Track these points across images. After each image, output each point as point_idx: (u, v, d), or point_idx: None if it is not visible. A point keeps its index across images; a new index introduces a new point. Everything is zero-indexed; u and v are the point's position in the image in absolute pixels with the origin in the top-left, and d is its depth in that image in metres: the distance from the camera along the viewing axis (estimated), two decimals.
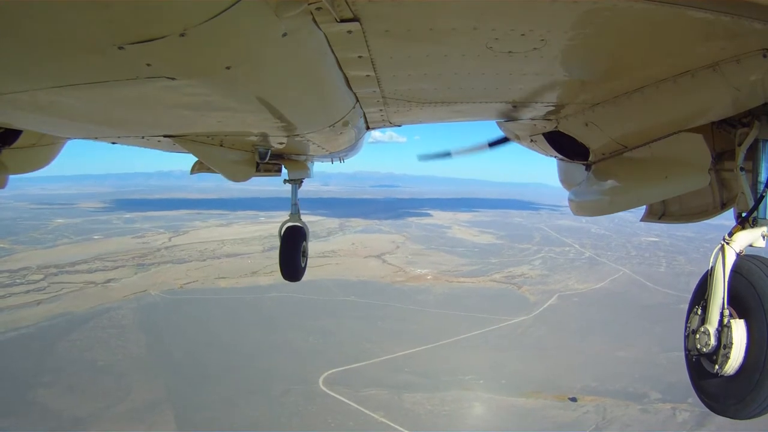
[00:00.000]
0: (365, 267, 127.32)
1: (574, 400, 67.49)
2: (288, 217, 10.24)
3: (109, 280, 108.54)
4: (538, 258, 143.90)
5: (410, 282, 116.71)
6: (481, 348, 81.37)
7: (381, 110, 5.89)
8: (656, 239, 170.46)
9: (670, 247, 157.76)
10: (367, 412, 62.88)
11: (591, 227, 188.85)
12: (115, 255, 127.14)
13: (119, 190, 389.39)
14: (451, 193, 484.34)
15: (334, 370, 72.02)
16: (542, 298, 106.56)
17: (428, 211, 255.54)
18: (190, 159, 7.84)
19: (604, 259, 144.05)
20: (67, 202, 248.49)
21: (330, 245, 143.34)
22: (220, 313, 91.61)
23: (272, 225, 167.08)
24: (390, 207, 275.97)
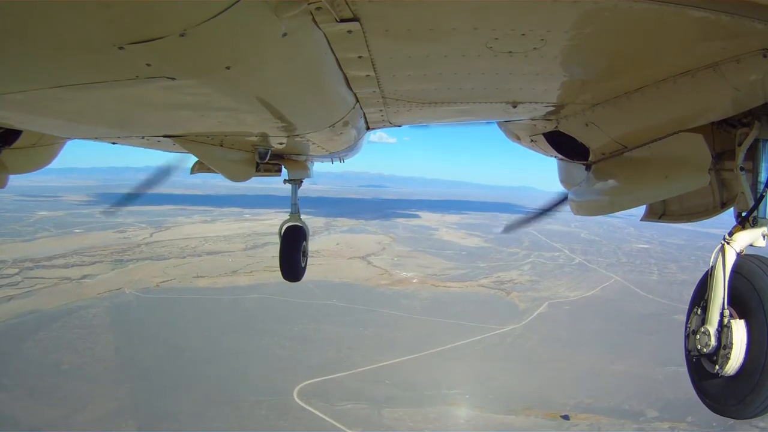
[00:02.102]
0: (349, 268, 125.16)
1: (566, 418, 65.29)
2: (288, 217, 10.31)
3: (84, 276, 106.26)
4: (527, 263, 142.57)
5: (395, 286, 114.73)
6: (468, 359, 78.90)
7: (381, 110, 5.77)
8: (647, 246, 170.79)
9: (661, 255, 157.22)
10: (343, 428, 60.25)
11: (580, 232, 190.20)
12: (94, 250, 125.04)
13: (106, 184, 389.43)
14: (439, 194, 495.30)
15: (310, 381, 69.25)
16: (532, 305, 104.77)
17: (416, 212, 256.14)
18: (183, 155, 7.79)
19: (595, 265, 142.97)
20: (52, 195, 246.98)
21: (314, 245, 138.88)
22: (195, 314, 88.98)
23: (257, 223, 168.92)
24: (377, 207, 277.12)
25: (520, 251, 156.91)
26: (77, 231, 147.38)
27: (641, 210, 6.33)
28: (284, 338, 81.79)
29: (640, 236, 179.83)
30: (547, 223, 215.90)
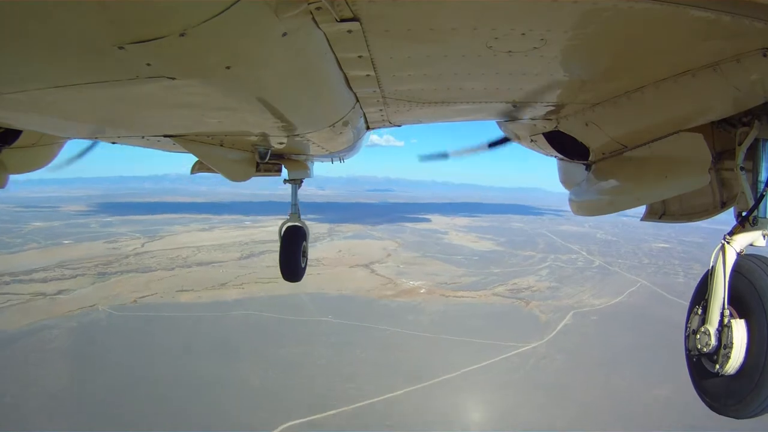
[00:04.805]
0: (350, 278, 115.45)
1: None
2: (288, 217, 10.53)
3: (60, 291, 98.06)
4: (544, 267, 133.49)
5: (400, 297, 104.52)
6: (484, 387, 68.33)
7: (381, 110, 5.95)
8: (666, 245, 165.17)
9: (683, 254, 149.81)
10: None
11: (596, 232, 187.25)
12: (79, 262, 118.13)
13: (108, 194, 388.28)
14: (448, 197, 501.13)
15: (293, 423, 58.64)
16: (555, 317, 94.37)
17: (424, 216, 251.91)
18: (186, 162, 8.29)
19: (616, 268, 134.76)
20: (51, 205, 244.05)
21: (314, 253, 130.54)
22: (170, 336, 79.34)
23: (256, 230, 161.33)
24: (384, 211, 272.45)
25: (536, 254, 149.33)
26: (66, 242, 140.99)
27: None
28: (267, 365, 71.67)
29: (658, 235, 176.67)
30: (561, 224, 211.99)
